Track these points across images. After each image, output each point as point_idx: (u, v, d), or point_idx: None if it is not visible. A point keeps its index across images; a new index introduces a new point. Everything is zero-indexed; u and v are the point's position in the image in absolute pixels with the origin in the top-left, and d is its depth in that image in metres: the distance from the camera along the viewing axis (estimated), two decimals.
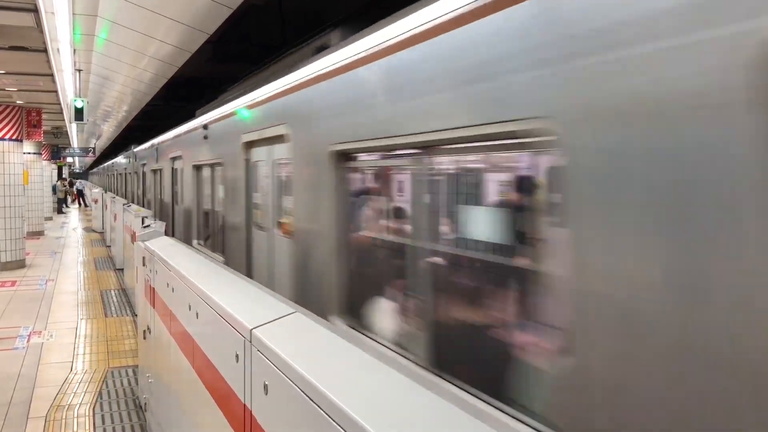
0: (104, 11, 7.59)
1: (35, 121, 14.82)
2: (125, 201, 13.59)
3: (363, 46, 3.08)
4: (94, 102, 15.58)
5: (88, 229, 22.78)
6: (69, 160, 42.97)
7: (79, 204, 39.54)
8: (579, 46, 1.68)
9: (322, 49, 4.25)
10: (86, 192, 38.64)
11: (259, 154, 5.19)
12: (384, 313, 3.16)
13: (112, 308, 9.54)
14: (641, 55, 1.49)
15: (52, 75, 9.96)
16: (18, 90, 11.84)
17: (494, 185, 2.48)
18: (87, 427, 5.08)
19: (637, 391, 1.48)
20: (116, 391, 5.92)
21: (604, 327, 1.57)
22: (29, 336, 7.76)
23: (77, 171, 67.88)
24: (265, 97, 4.76)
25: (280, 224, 4.70)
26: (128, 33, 8.45)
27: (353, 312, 3.42)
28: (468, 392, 2.23)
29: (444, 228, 2.68)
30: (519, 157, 2.27)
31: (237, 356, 2.24)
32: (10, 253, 13.14)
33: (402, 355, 2.81)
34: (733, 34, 1.29)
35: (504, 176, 2.44)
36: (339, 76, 3.40)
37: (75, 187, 41.34)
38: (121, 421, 5.23)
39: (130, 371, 6.48)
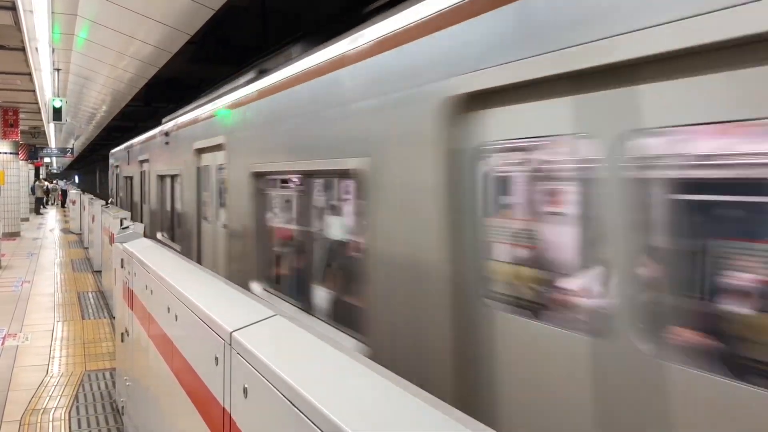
0: (84, 10, 7.52)
1: (12, 120, 14.63)
2: (104, 203, 13.44)
3: None
4: (73, 102, 15.43)
5: (65, 231, 22.49)
6: (47, 160, 42.51)
7: (63, 203, 39.46)
8: None
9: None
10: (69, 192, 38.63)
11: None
12: None
13: (90, 310, 9.42)
14: None
15: (30, 74, 9.85)
16: None
17: None
18: (63, 431, 5.01)
19: None
20: (93, 394, 5.85)
21: None
22: (4, 338, 7.64)
23: (54, 171, 67.06)
24: None
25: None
26: (108, 33, 8.39)
27: None
28: None
29: None
30: None
31: (216, 359, 2.23)
32: None
33: None
34: None
35: None
36: None
37: (59, 187, 41.11)
38: (98, 424, 5.17)
39: (107, 374, 6.40)
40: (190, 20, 7.12)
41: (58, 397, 5.75)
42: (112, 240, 7.01)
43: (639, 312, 1.81)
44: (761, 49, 1.51)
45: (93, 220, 13.25)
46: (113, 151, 16.68)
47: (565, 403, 1.99)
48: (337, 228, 3.89)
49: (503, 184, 2.48)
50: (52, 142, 29.25)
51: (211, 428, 2.30)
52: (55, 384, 6.10)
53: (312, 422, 1.47)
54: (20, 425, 5.08)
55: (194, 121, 6.81)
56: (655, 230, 1.87)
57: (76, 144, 34.93)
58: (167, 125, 8.37)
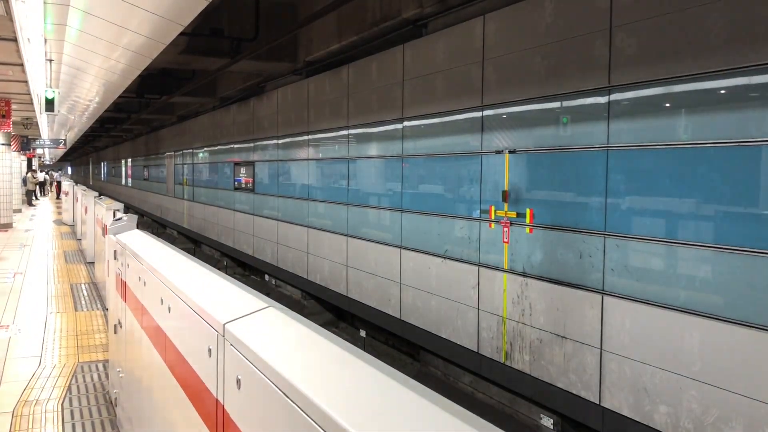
0: (76, 1, 7.46)
1: (4, 111, 14.53)
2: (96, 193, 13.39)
3: None
4: (66, 93, 15.33)
5: (58, 222, 22.39)
6: (39, 151, 42.36)
7: (58, 195, 39.57)
8: None
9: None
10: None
11: None
12: None
13: (83, 302, 9.40)
14: None
15: (22, 65, 9.78)
16: None
17: None
18: (55, 423, 5.01)
19: None
20: (86, 386, 5.84)
21: None
22: None
23: (47, 162, 66.69)
24: None
25: None
26: (101, 23, 8.33)
27: None
28: None
29: None
30: None
31: (209, 351, 2.23)
32: None
33: None
34: None
35: None
36: None
37: (54, 178, 41.14)
38: (91, 416, 5.17)
39: (100, 366, 6.39)
40: (182, 11, 7.07)
41: (51, 388, 5.74)
42: (104, 231, 6.98)
43: None
44: None
45: (86, 211, 13.19)
46: None
47: None
48: None
49: None
50: (45, 134, 29.07)
51: (205, 420, 2.30)
52: (47, 375, 6.09)
53: (305, 413, 1.47)
54: (13, 416, 5.08)
55: None
56: None
57: (69, 135, 34.72)
58: None
